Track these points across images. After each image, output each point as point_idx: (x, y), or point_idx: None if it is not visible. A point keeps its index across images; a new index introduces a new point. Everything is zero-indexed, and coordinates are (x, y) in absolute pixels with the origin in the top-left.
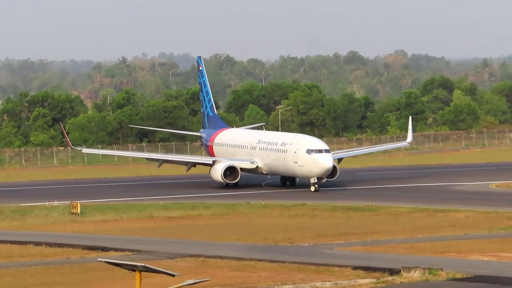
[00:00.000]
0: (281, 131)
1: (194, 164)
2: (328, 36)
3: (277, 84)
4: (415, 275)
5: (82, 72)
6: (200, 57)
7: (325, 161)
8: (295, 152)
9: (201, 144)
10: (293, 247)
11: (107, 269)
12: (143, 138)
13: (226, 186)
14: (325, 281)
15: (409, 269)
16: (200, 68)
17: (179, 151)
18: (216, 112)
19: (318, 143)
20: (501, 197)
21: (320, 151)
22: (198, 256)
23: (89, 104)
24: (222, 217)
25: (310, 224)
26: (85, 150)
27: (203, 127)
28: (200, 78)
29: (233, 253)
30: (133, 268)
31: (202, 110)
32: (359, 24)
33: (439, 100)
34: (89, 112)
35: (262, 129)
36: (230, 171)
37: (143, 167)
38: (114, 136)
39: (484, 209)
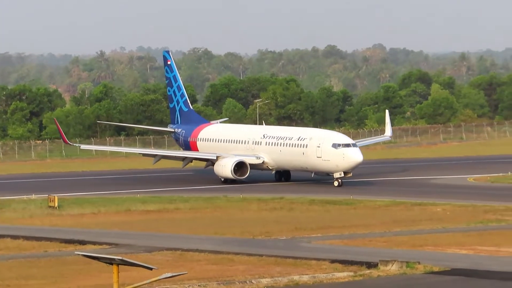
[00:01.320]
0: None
1: (191, 160)
2: (306, 30)
3: (255, 78)
4: (393, 268)
5: (60, 66)
6: (168, 52)
7: (355, 155)
8: (318, 147)
9: (176, 140)
10: (270, 241)
11: (84, 263)
12: (121, 131)
13: (229, 182)
14: (303, 275)
15: (386, 262)
16: (169, 62)
17: (156, 145)
18: (191, 106)
19: (343, 137)
20: (479, 191)
21: (347, 145)
22: (176, 249)
23: (67, 97)
24: (199, 211)
25: (287, 217)
26: (83, 147)
27: (174, 123)
28: (168, 73)
29: (210, 246)
30: (110, 262)
31: (171, 106)
32: (337, 18)
33: (417, 94)
34: (67, 106)
35: (262, 124)
36: (238, 166)
37: (120, 161)
38: (92, 129)
39: (461, 202)
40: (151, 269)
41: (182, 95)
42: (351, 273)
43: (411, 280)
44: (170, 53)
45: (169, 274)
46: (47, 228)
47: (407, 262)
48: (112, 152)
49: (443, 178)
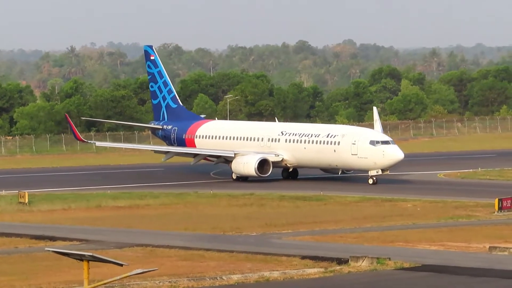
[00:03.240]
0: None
1: (204, 157)
2: (277, 25)
3: (225, 73)
4: (363, 264)
5: (30, 61)
6: (151, 47)
7: (396, 152)
8: (354, 144)
9: (163, 137)
10: (241, 237)
11: (54, 259)
12: (91, 127)
13: (242, 180)
14: (273, 271)
15: (357, 258)
16: (152, 57)
17: (127, 140)
18: (180, 103)
19: (380, 134)
20: (449, 187)
21: (386, 142)
22: (146, 245)
23: (37, 93)
24: (170, 207)
25: (258, 213)
26: (98, 144)
27: (158, 119)
28: (152, 69)
29: (181, 242)
30: (81, 258)
31: (155, 102)
32: (308, 14)
33: (387, 89)
34: (37, 101)
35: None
36: (260, 164)
37: (91, 157)
38: (63, 125)
39: (432, 198)
40: (121, 265)
41: (170, 91)
42: (322, 269)
43: (382, 276)
44: (153, 48)
45: (140, 270)
46: (17, 224)
47: (377, 258)
48: (82, 148)
49: (413, 174)
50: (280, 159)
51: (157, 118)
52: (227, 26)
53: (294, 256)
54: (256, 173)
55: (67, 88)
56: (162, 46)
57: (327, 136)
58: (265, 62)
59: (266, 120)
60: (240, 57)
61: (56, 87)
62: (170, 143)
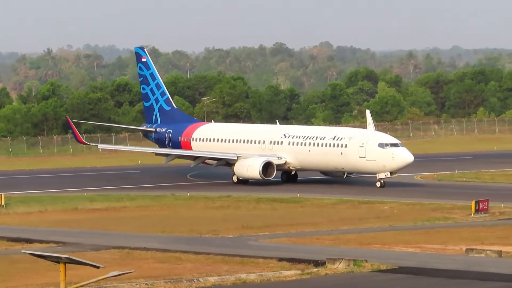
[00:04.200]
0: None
1: (204, 159)
2: (254, 28)
3: (202, 76)
4: (340, 266)
5: (6, 64)
6: (142, 48)
7: (406, 155)
8: (362, 146)
9: (157, 139)
10: (218, 239)
11: (31, 261)
12: (68, 129)
13: (244, 183)
14: (250, 273)
15: (334, 260)
16: (144, 59)
17: (104, 143)
18: (174, 105)
19: (388, 137)
20: (426, 189)
21: (395, 144)
22: (123, 248)
23: (14, 96)
24: (147, 209)
25: (235, 215)
26: (100, 146)
27: (150, 122)
28: (144, 71)
29: (158, 244)
30: (57, 260)
31: (146, 104)
32: (285, 16)
33: (364, 92)
34: (14, 104)
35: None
36: (264, 167)
37: (68, 159)
38: (39, 127)
39: (409, 200)
40: (98, 267)
41: (163, 93)
42: (299, 271)
43: (358, 278)
44: (145, 50)
45: (116, 273)
46: None
47: (354, 260)
48: (59, 151)
49: (390, 176)
50: (283, 162)
51: (149, 121)
52: (204, 29)
53: (271, 258)
54: (260, 176)
55: (44, 90)
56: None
57: (334, 139)
58: (242, 65)
59: (243, 122)
60: (217, 60)
61: (33, 89)
62: (164, 146)
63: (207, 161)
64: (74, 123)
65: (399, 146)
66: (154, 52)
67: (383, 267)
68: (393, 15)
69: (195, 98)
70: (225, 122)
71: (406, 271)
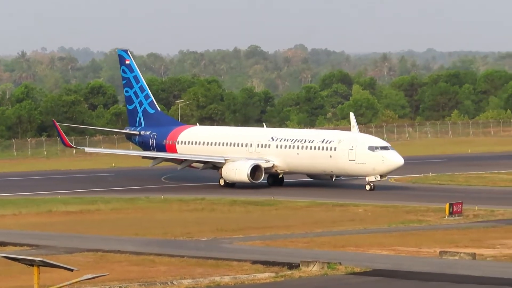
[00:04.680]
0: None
1: (191, 163)
2: (228, 30)
3: (176, 78)
4: (314, 269)
5: None
6: (126, 51)
7: (396, 158)
8: (351, 149)
9: (141, 142)
10: (192, 242)
11: (5, 264)
12: (42, 132)
13: (231, 186)
14: (224, 276)
15: (308, 263)
16: (128, 62)
17: (78, 145)
18: (158, 108)
19: (378, 140)
20: (400, 191)
21: (385, 147)
22: (97, 250)
23: None
24: (121, 212)
25: (209, 218)
26: (87, 149)
27: (134, 125)
28: (128, 73)
29: (132, 247)
30: (31, 263)
31: (130, 107)
32: (259, 18)
33: (339, 94)
34: None
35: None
36: (251, 170)
37: (41, 162)
38: (13, 130)
39: (383, 203)
40: (72, 270)
41: (147, 96)
42: (273, 274)
43: (333, 281)
44: (128, 52)
45: (90, 276)
46: None
47: (328, 263)
48: (33, 153)
49: (364, 178)
50: (271, 165)
51: (132, 124)
52: (178, 31)
53: (245, 261)
54: (248, 179)
55: (18, 93)
56: (113, 50)
57: (322, 142)
58: (216, 67)
59: (217, 125)
60: (191, 62)
61: (7, 92)
62: (148, 149)
63: (194, 164)
64: (61, 126)
65: (389, 149)
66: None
67: (357, 269)
68: (368, 17)
69: (169, 101)
70: (200, 125)
71: (380, 273)
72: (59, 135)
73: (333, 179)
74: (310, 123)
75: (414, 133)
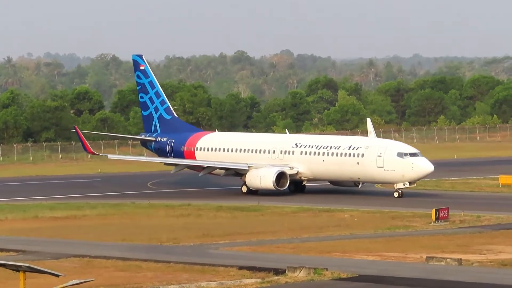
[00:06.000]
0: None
1: (214, 169)
2: (214, 36)
3: (162, 84)
4: (300, 275)
5: None
6: (140, 56)
7: (426, 165)
8: (380, 156)
9: (157, 149)
10: (178, 247)
11: None
12: (28, 138)
13: (253, 193)
14: (211, 281)
15: (294, 269)
16: (142, 67)
17: (64, 151)
18: (175, 114)
19: (407, 146)
20: (386, 197)
21: (414, 154)
22: (83, 256)
23: None
24: (107, 217)
25: (195, 224)
26: (110, 156)
27: (150, 131)
28: (142, 79)
29: (118, 253)
30: (17, 269)
31: (145, 113)
32: (245, 24)
33: (325, 100)
34: None
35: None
36: (276, 177)
37: (28, 167)
38: None
39: (369, 209)
40: (58, 276)
41: (163, 102)
42: (259, 280)
43: (319, 286)
44: (143, 57)
45: (76, 281)
46: None
47: (314, 269)
48: (19, 159)
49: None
50: (295, 172)
51: (147, 130)
52: (164, 37)
53: (231, 266)
54: (274, 186)
55: (4, 98)
56: (100, 56)
57: (349, 148)
58: (202, 73)
59: (205, 129)
60: (177, 68)
61: None
62: (165, 156)
63: (214, 171)
64: (84, 134)
65: (418, 155)
66: (115, 60)
67: (344, 275)
68: (354, 23)
69: None
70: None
71: (367, 279)
72: (81, 141)
73: (359, 186)
74: (296, 129)
75: (400, 138)
